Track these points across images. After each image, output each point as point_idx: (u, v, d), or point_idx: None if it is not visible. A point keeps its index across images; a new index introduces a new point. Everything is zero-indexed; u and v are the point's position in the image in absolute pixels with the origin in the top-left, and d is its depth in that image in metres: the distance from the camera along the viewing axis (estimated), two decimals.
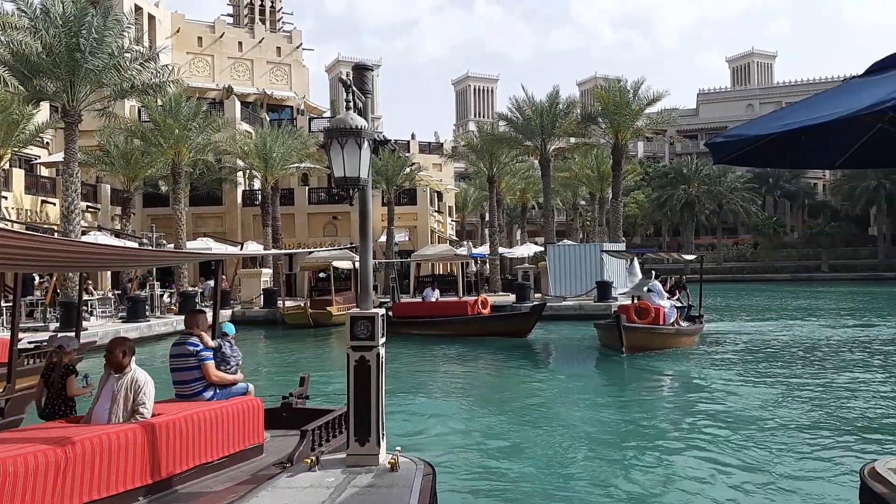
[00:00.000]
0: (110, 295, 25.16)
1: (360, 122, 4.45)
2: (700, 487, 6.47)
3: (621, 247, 29.64)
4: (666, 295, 17.46)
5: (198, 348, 5.80)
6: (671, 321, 16.62)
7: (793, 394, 10.92)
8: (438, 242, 43.52)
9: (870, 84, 3.74)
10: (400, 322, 20.89)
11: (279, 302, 26.82)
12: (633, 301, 17.54)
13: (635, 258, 19.92)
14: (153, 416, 4.94)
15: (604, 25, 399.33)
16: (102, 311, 22.82)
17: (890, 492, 4.31)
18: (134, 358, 5.04)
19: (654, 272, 23.84)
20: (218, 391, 5.85)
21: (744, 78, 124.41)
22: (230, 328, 6.62)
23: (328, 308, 24.69)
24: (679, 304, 18.40)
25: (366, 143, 4.42)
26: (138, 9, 41.05)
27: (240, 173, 37.21)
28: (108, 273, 29.76)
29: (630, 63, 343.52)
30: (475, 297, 22.69)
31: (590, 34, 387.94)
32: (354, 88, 4.72)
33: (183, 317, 22.26)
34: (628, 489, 6.55)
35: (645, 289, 17.48)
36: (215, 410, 5.27)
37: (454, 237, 54.82)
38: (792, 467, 6.99)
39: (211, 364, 5.83)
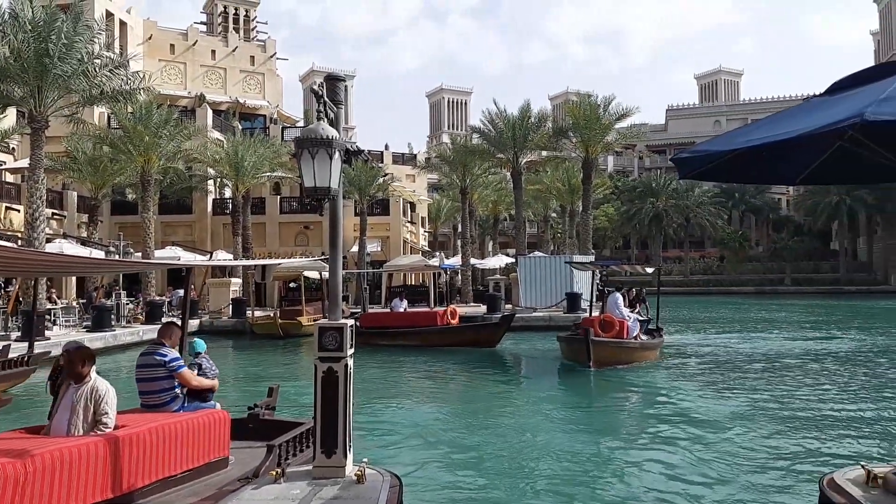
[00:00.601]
0: (75, 304, 24.63)
1: (331, 132, 4.45)
2: (664, 499, 6.53)
3: (591, 258, 29.95)
4: (627, 309, 16.96)
5: (166, 358, 5.70)
6: (634, 335, 16.26)
7: (755, 405, 11.09)
8: (411, 253, 43.54)
9: (830, 103, 3.85)
10: (368, 332, 20.82)
11: (248, 312, 26.51)
12: (593, 313, 17.13)
13: (598, 270, 19.27)
14: (116, 427, 4.84)
15: (575, 41, 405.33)
16: (66, 320, 22.32)
17: (847, 502, 4.40)
18: (94, 367, 4.94)
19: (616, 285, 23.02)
20: (186, 403, 5.76)
21: (711, 94, 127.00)
22: (202, 345, 6.54)
23: (298, 318, 24.49)
24: (641, 318, 18.06)
25: (337, 153, 4.42)
26: (110, 15, 40.52)
27: (210, 182, 36.83)
28: (73, 281, 29.17)
29: (600, 78, 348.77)
30: (444, 308, 22.74)
31: (562, 49, 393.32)
32: (326, 99, 4.72)
33: (149, 326, 21.74)
34: (592, 500, 6.59)
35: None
36: (180, 423, 5.18)
37: (427, 248, 54.86)
38: (753, 478, 7.09)
39: (186, 371, 5.76)
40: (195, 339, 6.62)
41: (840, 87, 4.05)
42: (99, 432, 4.69)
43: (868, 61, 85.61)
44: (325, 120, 4.58)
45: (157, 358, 5.70)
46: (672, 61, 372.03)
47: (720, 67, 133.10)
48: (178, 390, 5.73)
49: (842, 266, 67.91)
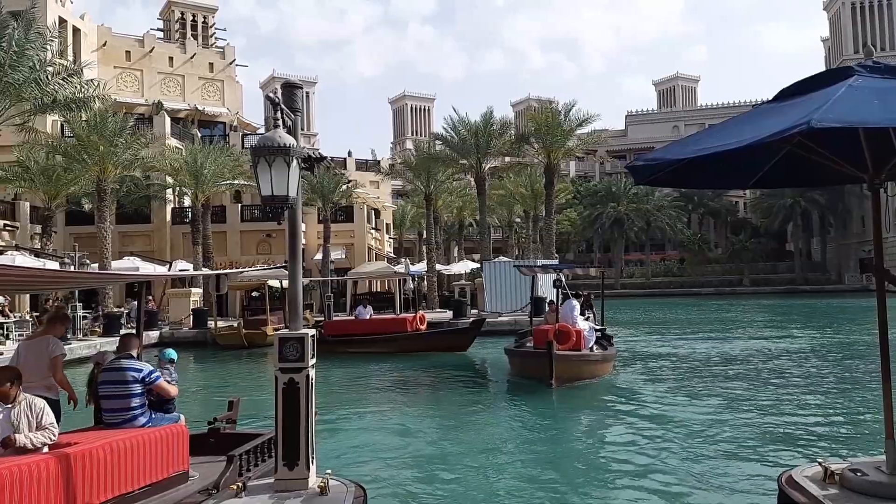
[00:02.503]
0: (28, 317, 23.92)
1: (288, 140, 4.41)
2: (629, 500, 6.61)
3: (555, 262, 30.21)
4: (581, 317, 15.06)
5: (143, 372, 5.56)
6: (590, 345, 14.61)
7: (716, 407, 11.25)
8: (376, 259, 43.40)
9: (777, 110, 3.96)
10: (333, 341, 20.70)
11: (210, 322, 26.07)
12: (547, 321, 15.40)
13: (557, 273, 17.68)
14: (68, 445, 4.71)
15: (532, 48, 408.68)
16: (20, 334, 21.64)
17: (805, 499, 4.50)
18: (22, 386, 4.81)
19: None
20: (153, 416, 5.63)
21: (669, 100, 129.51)
22: (173, 354, 6.53)
23: (263, 328, 24.14)
24: (598, 327, 16.48)
25: (294, 161, 4.38)
26: (62, 21, 39.59)
27: (169, 190, 36.18)
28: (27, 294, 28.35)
29: (559, 85, 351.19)
30: (413, 314, 22.72)
31: (520, 56, 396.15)
32: (283, 106, 4.67)
33: (107, 339, 21.15)
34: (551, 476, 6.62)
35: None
36: (136, 438, 5.07)
37: (392, 254, 54.72)
38: (715, 479, 7.22)
39: (164, 382, 5.72)
40: (167, 349, 6.59)
41: (787, 94, 4.16)
42: (48, 441, 4.60)
43: (819, 67, 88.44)
44: (283, 127, 4.54)
45: (132, 374, 5.52)
46: (628, 68, 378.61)
47: (677, 74, 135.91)
48: (145, 405, 5.60)
49: (797, 266, 69.78)
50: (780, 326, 28.22)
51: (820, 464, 4.87)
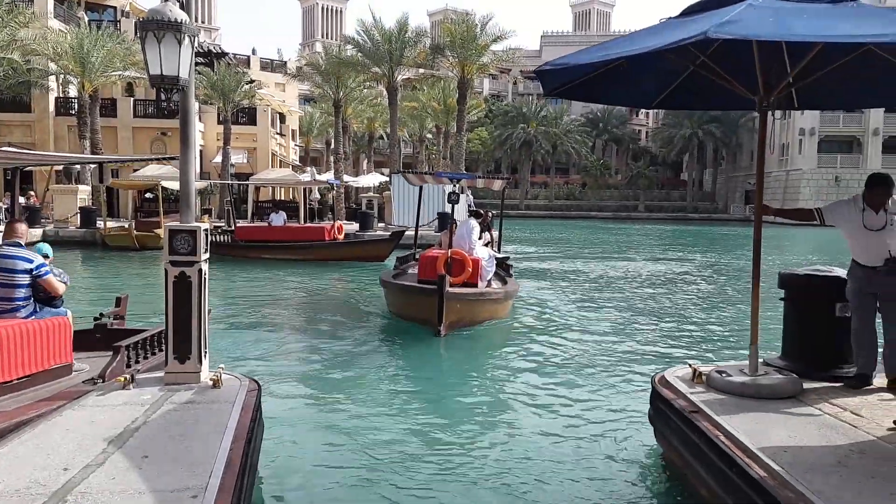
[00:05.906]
0: None
1: (180, 14, 4.07)
2: (519, 414, 6.96)
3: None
4: (480, 241, 12.02)
5: (33, 264, 5.22)
6: (488, 278, 11.48)
7: (606, 323, 11.85)
8: (280, 166, 42.09)
9: (681, 24, 4.05)
10: (248, 246, 20.49)
11: (99, 222, 24.78)
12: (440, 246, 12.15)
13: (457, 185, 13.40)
14: None
15: None
16: None
17: (674, 396, 4.94)
18: None
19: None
20: (37, 310, 5.33)
21: (584, 24, 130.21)
22: (48, 249, 5.86)
23: (156, 230, 23.22)
24: (499, 255, 13.32)
25: (187, 39, 4.07)
26: None
27: (52, 78, 33.17)
28: None
29: (477, 2, 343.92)
30: (331, 223, 22.62)
31: None
32: None
33: None
34: (443, 414, 6.89)
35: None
36: (14, 327, 4.82)
37: (297, 162, 53.18)
38: (597, 382, 7.73)
39: (52, 277, 5.35)
40: (39, 242, 6.04)
41: (692, 10, 4.27)
42: None
43: None
44: (175, 2, 4.19)
45: (22, 263, 5.18)
46: None
47: None
48: (31, 297, 5.29)
49: (689, 195, 73.61)
50: (670, 249, 29.92)
51: (690, 366, 5.31)
